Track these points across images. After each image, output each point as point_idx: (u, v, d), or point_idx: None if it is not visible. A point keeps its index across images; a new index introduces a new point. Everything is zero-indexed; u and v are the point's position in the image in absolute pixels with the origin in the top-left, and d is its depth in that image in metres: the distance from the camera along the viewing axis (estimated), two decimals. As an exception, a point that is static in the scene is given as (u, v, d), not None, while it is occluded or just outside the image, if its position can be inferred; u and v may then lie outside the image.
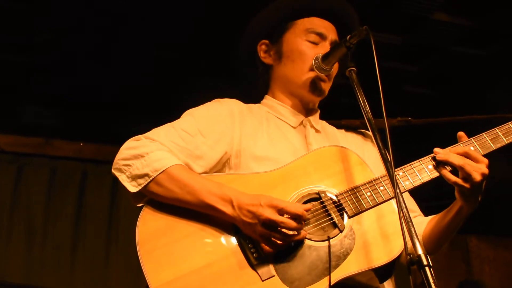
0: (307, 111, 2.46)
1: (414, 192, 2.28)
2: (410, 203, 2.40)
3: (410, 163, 2.17)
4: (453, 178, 2.08)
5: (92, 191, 5.44)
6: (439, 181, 2.17)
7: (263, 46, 2.50)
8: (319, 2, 2.47)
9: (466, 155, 2.08)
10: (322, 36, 2.41)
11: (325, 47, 2.38)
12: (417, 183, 2.13)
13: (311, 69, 2.36)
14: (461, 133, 2.19)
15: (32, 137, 5.42)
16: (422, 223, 2.31)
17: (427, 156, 2.16)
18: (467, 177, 2.05)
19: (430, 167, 2.14)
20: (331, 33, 2.44)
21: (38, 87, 4.98)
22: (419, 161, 2.16)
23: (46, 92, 5.02)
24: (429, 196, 2.48)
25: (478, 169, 2.05)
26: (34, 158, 5.41)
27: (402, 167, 2.16)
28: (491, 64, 4.77)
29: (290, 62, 2.41)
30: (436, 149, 2.14)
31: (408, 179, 2.12)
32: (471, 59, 4.79)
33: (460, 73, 4.97)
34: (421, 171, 2.14)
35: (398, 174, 2.12)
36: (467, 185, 2.06)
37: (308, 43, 2.40)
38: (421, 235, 2.27)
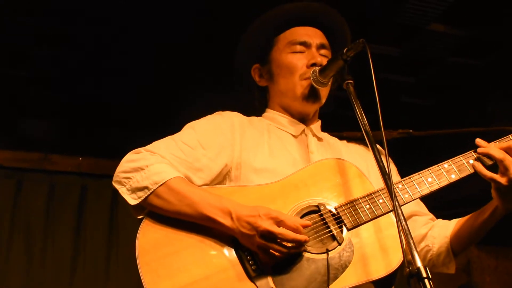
0: (308, 121, 2.46)
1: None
2: (421, 208, 2.42)
3: (410, 176, 2.18)
4: (489, 174, 2.11)
5: (91, 206, 5.43)
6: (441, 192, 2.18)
7: (256, 71, 2.52)
8: (295, 12, 2.48)
9: (508, 150, 2.11)
10: (306, 44, 2.41)
11: (312, 54, 2.39)
12: (417, 195, 2.13)
13: (302, 79, 2.36)
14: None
15: (31, 152, 5.42)
16: (448, 224, 2.32)
17: (469, 152, 2.18)
18: (504, 172, 2.08)
19: (430, 179, 2.15)
20: (316, 38, 2.43)
21: (36, 102, 4.98)
22: (418, 173, 2.17)
23: (44, 107, 5.03)
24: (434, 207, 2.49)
25: None
26: (33, 173, 5.40)
27: (401, 179, 2.17)
28: (488, 74, 4.78)
29: (282, 78, 2.42)
30: (478, 141, 2.17)
31: (408, 191, 2.13)
32: (468, 69, 4.81)
33: (457, 84, 4.98)
34: (420, 184, 2.14)
35: (398, 187, 2.13)
36: (503, 181, 2.08)
37: (294, 55, 2.40)
38: (448, 236, 2.28)
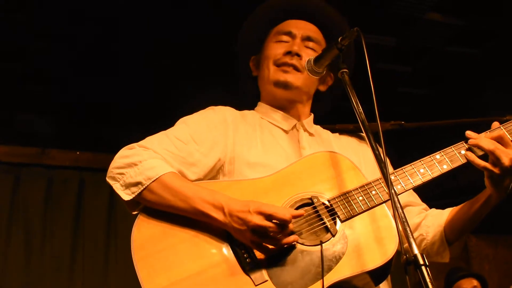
0: (299, 115, 2.46)
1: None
2: (415, 198, 2.43)
3: (402, 167, 2.19)
4: (482, 163, 2.12)
5: (89, 200, 5.45)
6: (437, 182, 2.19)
7: (254, 61, 2.55)
8: (290, 5, 2.49)
9: (499, 139, 2.12)
10: (291, 35, 2.43)
11: (295, 43, 2.40)
12: (409, 186, 2.15)
13: (274, 64, 2.39)
14: (495, 123, 2.22)
15: (28, 147, 5.43)
16: (442, 214, 2.34)
17: (461, 142, 2.19)
18: (496, 161, 2.08)
19: (422, 170, 2.16)
20: (304, 30, 2.44)
21: (33, 97, 4.98)
22: (411, 165, 2.18)
23: (41, 102, 5.03)
24: (427, 197, 2.49)
25: (508, 154, 2.08)
26: (30, 168, 5.42)
27: (394, 171, 2.18)
28: (485, 63, 4.77)
29: (262, 65, 2.46)
30: (468, 133, 2.18)
31: (400, 183, 2.14)
32: (464, 58, 4.80)
33: (454, 73, 4.97)
34: (413, 175, 2.15)
35: (390, 178, 2.13)
36: (496, 170, 2.09)
37: (277, 43, 2.43)
38: (442, 225, 2.29)
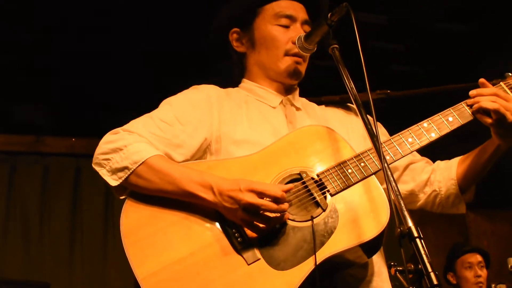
0: (286, 91, 2.45)
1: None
2: (415, 155, 2.41)
3: (390, 138, 2.19)
4: (489, 120, 2.16)
5: (86, 186, 5.46)
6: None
7: (235, 35, 2.49)
8: None
9: (496, 96, 2.16)
10: (292, 18, 2.39)
11: (297, 29, 2.37)
12: (398, 156, 2.15)
13: (286, 54, 2.36)
14: (482, 80, 2.25)
15: (24, 135, 5.42)
16: (450, 166, 2.37)
17: (449, 109, 2.23)
18: (502, 118, 2.13)
19: (410, 140, 2.17)
20: (301, 13, 2.42)
21: (27, 85, 4.98)
22: (398, 134, 2.19)
23: (35, 90, 5.02)
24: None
25: (510, 109, 2.13)
26: (26, 156, 5.44)
27: (382, 141, 2.16)
28: (477, 38, 4.76)
29: (264, 49, 2.41)
30: (472, 92, 2.21)
31: (389, 153, 2.14)
32: (456, 35, 4.79)
33: (446, 50, 4.96)
34: (401, 145, 2.16)
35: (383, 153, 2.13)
36: (502, 127, 2.15)
37: (279, 28, 2.39)
38: (454, 178, 2.33)
